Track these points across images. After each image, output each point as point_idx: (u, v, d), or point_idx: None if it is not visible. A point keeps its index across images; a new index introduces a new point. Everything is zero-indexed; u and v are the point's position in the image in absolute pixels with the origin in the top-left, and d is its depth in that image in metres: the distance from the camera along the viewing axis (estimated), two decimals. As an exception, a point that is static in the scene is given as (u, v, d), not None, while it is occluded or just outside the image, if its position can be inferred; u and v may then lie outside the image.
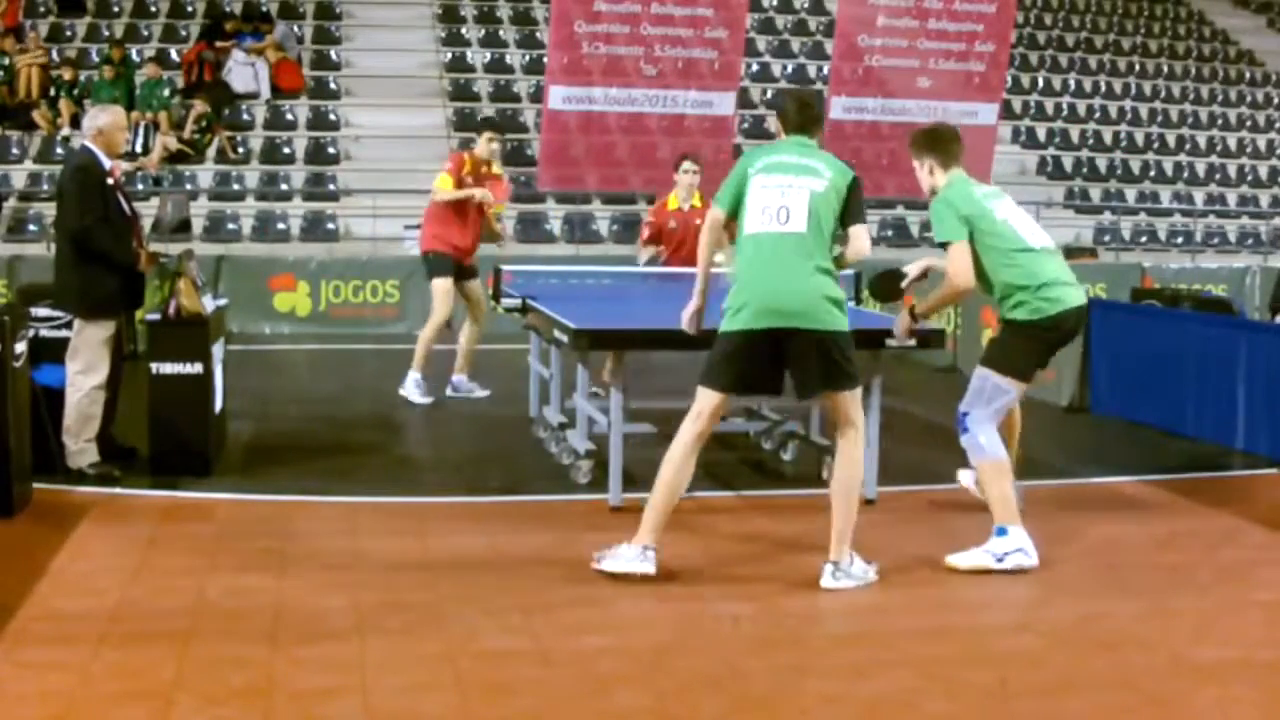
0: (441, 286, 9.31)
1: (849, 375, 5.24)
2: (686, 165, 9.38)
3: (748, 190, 5.25)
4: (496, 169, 9.72)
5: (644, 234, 9.37)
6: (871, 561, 5.34)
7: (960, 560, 5.51)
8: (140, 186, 15.73)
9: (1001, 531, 5.53)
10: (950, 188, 5.74)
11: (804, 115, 5.45)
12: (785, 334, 5.11)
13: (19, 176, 16.57)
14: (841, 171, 5.28)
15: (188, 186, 16.50)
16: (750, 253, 5.20)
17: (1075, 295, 5.74)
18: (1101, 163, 20.01)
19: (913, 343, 6.23)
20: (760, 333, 5.12)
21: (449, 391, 9.60)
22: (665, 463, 5.35)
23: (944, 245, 5.68)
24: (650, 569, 5.25)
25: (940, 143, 5.85)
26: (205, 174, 16.92)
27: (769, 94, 19.60)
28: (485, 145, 9.56)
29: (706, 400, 5.29)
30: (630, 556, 5.28)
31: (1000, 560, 5.47)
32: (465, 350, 9.64)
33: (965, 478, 6.53)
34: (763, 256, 5.15)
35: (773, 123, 5.91)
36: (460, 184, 9.35)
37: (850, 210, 5.26)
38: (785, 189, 5.18)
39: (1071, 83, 21.61)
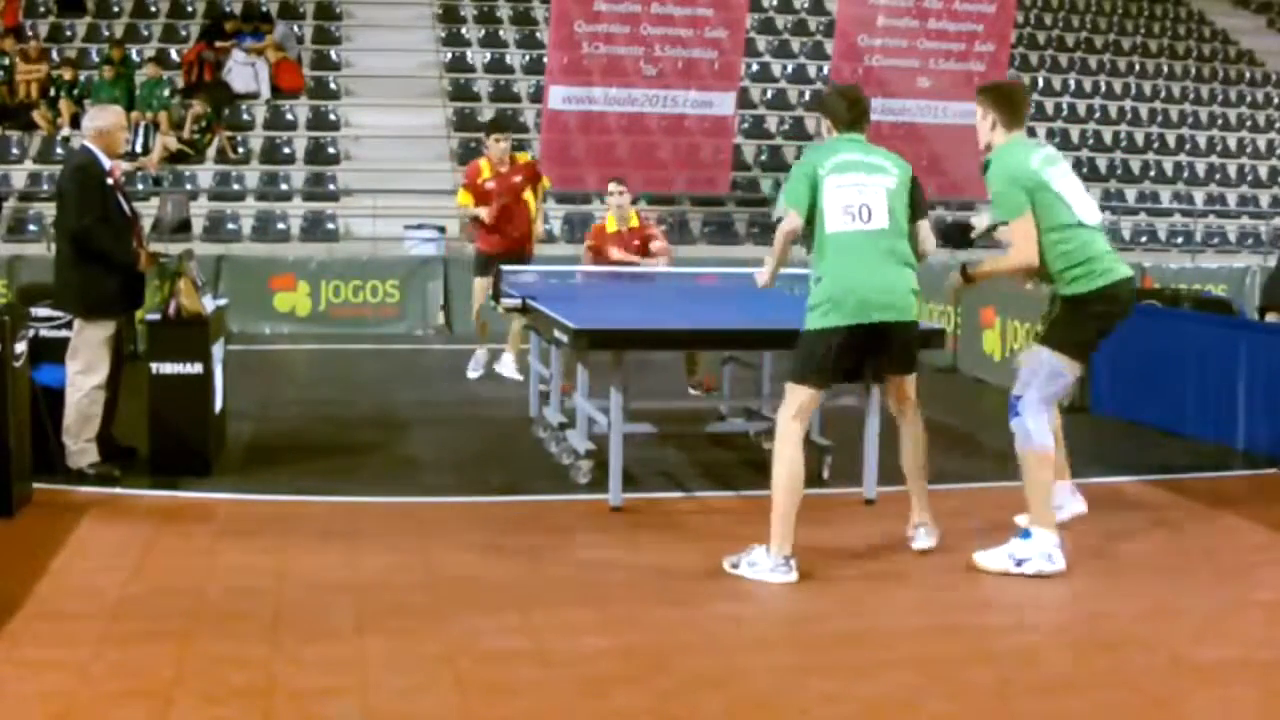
0: (475, 284, 10.03)
1: (916, 360, 5.80)
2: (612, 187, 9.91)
3: (822, 191, 5.39)
4: (523, 157, 10.19)
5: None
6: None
7: (985, 560, 5.42)
8: (140, 186, 15.72)
9: (1026, 534, 5.40)
10: (1009, 154, 5.41)
11: (855, 111, 5.63)
12: (880, 326, 5.40)
13: (19, 176, 16.56)
14: (903, 167, 5.61)
15: (188, 186, 16.49)
16: (837, 252, 5.37)
17: (1124, 268, 5.58)
18: (1101, 163, 20.00)
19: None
20: (859, 327, 5.36)
21: (495, 369, 10.11)
22: (781, 466, 5.39)
23: (1004, 223, 5.45)
24: (793, 577, 5.30)
25: (1009, 101, 5.56)
26: (205, 174, 16.92)
27: (769, 94, 19.60)
28: (495, 147, 9.73)
29: (807, 397, 5.45)
30: (770, 566, 5.32)
31: (1019, 565, 5.34)
32: (515, 334, 9.93)
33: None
34: (852, 255, 5.37)
35: (821, 123, 5.76)
36: (478, 191, 9.77)
37: (915, 205, 5.60)
38: (861, 187, 5.40)
39: (1071, 83, 21.59)
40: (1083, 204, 5.51)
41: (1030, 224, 5.33)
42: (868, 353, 5.51)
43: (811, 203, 5.41)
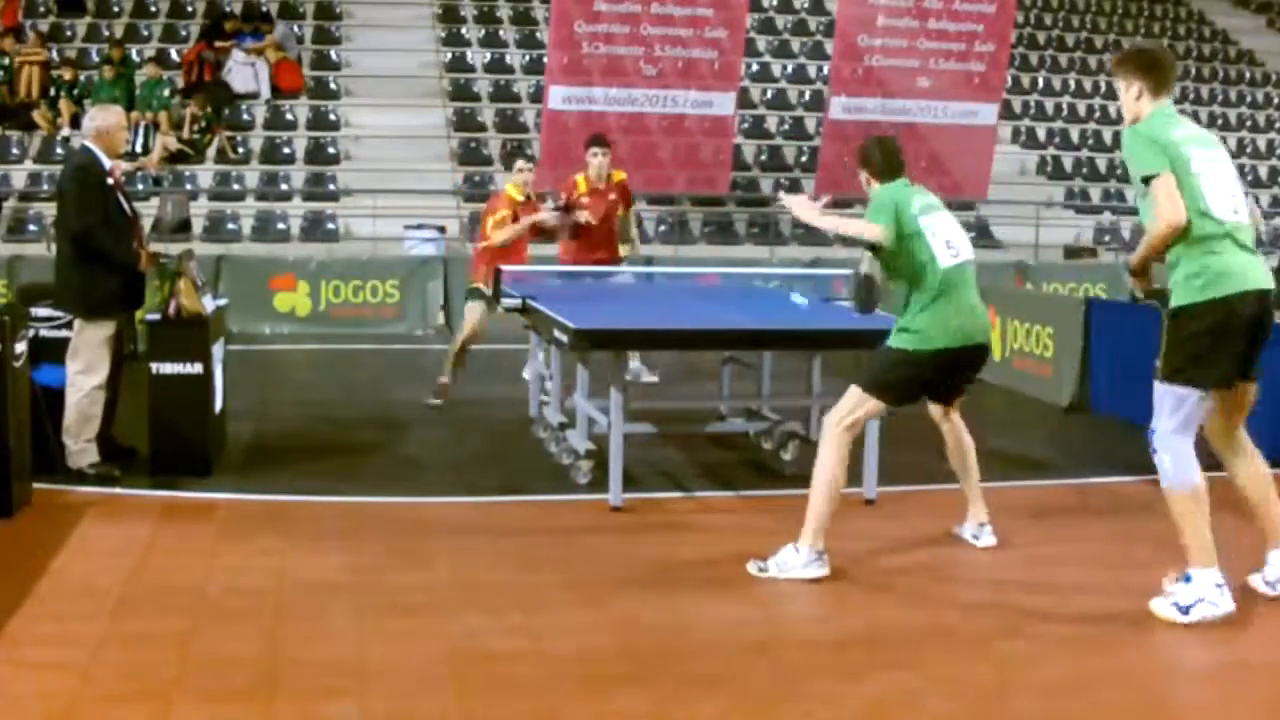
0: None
1: None
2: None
3: (919, 229, 5.56)
4: (618, 175, 9.93)
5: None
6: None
7: (1158, 607, 4.93)
8: (140, 186, 15.72)
9: (1186, 578, 4.88)
10: (1152, 119, 4.95)
11: (895, 160, 5.75)
12: (971, 350, 5.64)
13: (19, 176, 16.56)
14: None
15: (188, 186, 16.49)
16: (946, 284, 5.55)
17: (1255, 276, 4.86)
18: (1101, 163, 20.00)
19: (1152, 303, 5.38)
20: (957, 350, 5.58)
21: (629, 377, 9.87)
22: (824, 472, 5.44)
23: (1146, 181, 4.83)
24: (825, 571, 5.39)
25: (1155, 67, 5.02)
26: (205, 174, 16.92)
27: (769, 94, 19.60)
28: (593, 161, 9.73)
29: (873, 409, 5.58)
30: (802, 563, 5.38)
31: (1185, 613, 4.83)
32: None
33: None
34: (960, 286, 5.60)
35: (860, 174, 5.81)
36: (575, 207, 9.57)
37: None
38: (946, 224, 5.67)
39: (1071, 83, 21.60)
40: (1221, 199, 4.86)
41: (1172, 181, 4.76)
42: (953, 373, 5.73)
43: (898, 232, 5.55)
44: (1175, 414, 4.85)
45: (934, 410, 6.03)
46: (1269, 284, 4.90)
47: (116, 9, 19.87)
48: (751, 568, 5.44)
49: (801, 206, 5.81)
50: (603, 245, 9.65)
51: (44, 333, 7.01)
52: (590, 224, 9.55)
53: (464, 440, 8.20)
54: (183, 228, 15.47)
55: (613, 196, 9.83)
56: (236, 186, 16.93)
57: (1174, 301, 4.87)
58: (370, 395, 9.77)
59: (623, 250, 9.81)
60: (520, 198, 9.29)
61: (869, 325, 7.32)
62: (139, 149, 16.19)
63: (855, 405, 5.51)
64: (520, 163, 9.49)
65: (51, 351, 6.90)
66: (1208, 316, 4.78)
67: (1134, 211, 19.83)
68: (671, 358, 10.23)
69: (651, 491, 6.86)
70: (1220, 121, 21.46)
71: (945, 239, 5.61)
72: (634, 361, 9.91)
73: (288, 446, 7.87)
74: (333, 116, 18.15)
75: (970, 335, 5.62)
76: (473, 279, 9.34)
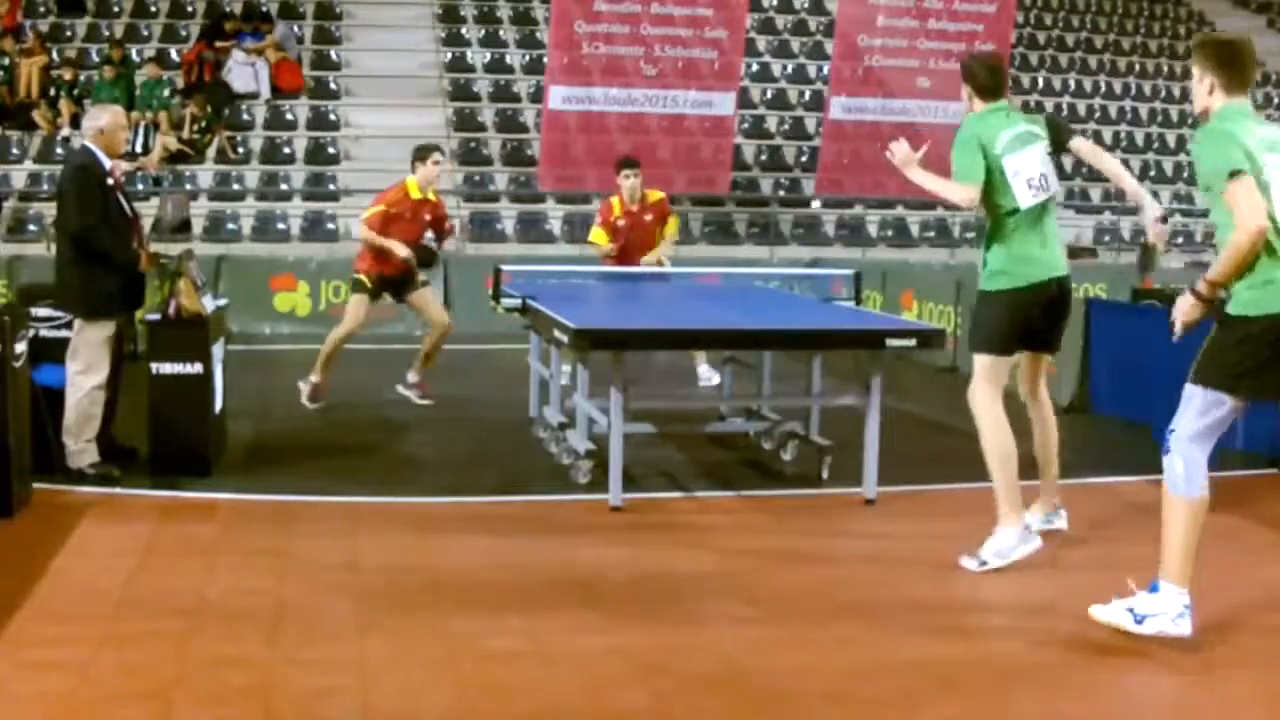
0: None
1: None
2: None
3: (1002, 167, 5.60)
4: (654, 195, 9.76)
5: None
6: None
7: (1102, 613, 4.75)
8: (140, 186, 15.72)
9: (1154, 588, 4.66)
10: (1226, 116, 4.64)
11: (998, 79, 5.76)
12: (1058, 286, 5.71)
13: (19, 176, 16.56)
14: (1040, 122, 5.89)
15: (188, 186, 16.49)
16: (1024, 223, 5.61)
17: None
18: (1101, 163, 19.99)
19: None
20: (1043, 284, 5.65)
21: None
22: (993, 438, 5.61)
23: (1230, 176, 4.50)
24: (1038, 543, 5.54)
25: (1232, 60, 4.68)
26: (205, 174, 16.92)
27: (769, 94, 19.59)
28: (625, 183, 9.55)
29: (999, 366, 5.78)
30: (1015, 543, 5.51)
31: (1139, 622, 4.62)
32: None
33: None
34: (1038, 224, 5.65)
35: (963, 89, 5.91)
36: (612, 230, 9.53)
37: (1060, 140, 5.90)
38: (1038, 158, 5.70)
39: (1071, 83, 21.60)
40: None
41: (1251, 184, 4.46)
42: (1045, 316, 5.77)
43: (988, 175, 5.61)
44: (1201, 418, 4.62)
45: (1023, 389, 6.08)
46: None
47: (116, 9, 19.86)
48: (970, 564, 5.52)
49: (903, 157, 5.98)
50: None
51: (44, 333, 7.01)
52: (612, 256, 9.50)
53: (464, 440, 8.20)
54: (183, 228, 15.46)
55: (649, 218, 9.69)
56: (236, 186, 16.93)
57: (1232, 310, 4.62)
58: (370, 395, 9.76)
59: (647, 256, 9.69)
60: (417, 196, 9.06)
61: (868, 325, 7.34)
62: (139, 149, 16.19)
63: (980, 371, 5.68)
64: (436, 155, 9.17)
65: (51, 351, 6.89)
66: (1264, 328, 4.54)
67: (1134, 211, 19.76)
68: (671, 358, 10.23)
69: (651, 491, 6.86)
70: (1220, 121, 21.45)
71: (1027, 178, 5.60)
72: (702, 366, 9.90)
73: (288, 446, 7.87)
74: (333, 116, 18.15)
75: (1049, 272, 5.68)
76: (356, 269, 9.24)
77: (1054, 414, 6.04)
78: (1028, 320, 5.71)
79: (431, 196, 9.20)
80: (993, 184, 5.60)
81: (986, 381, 5.70)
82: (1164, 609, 4.59)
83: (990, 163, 5.60)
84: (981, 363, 5.72)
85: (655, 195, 9.83)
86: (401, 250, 8.89)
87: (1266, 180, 4.52)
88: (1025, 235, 5.64)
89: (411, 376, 9.46)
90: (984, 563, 5.49)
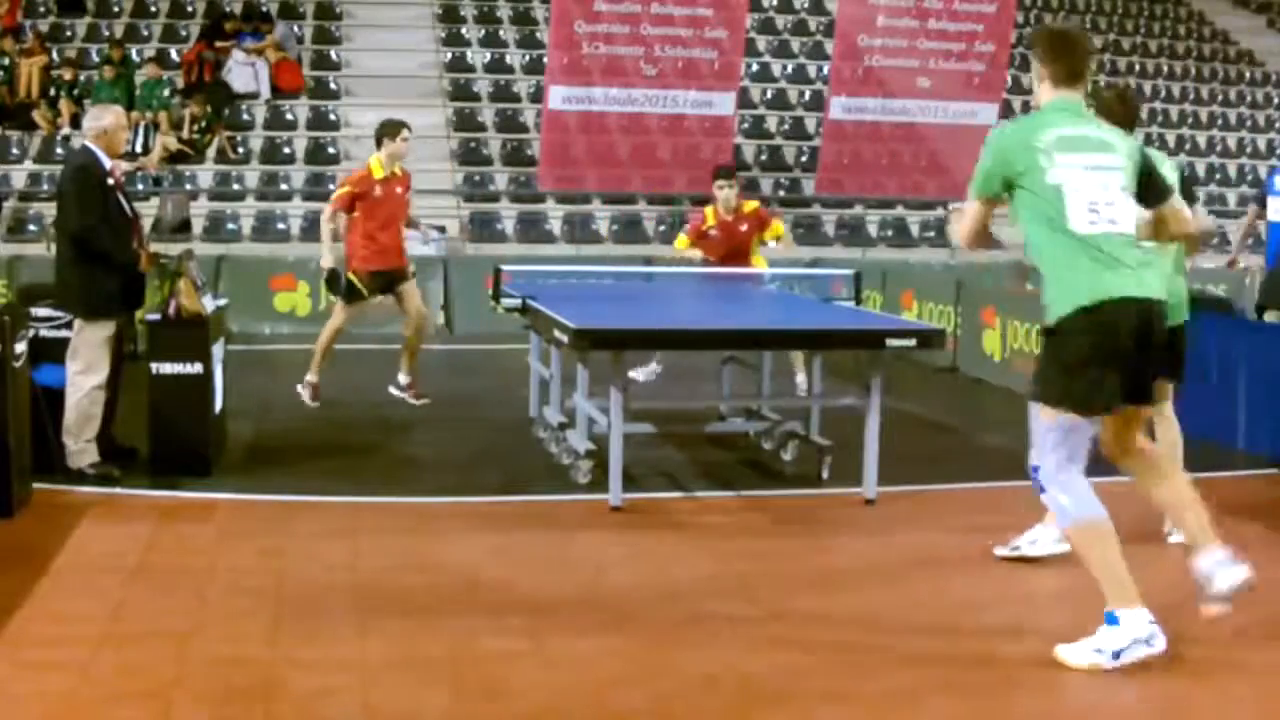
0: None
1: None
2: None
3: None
4: (750, 205, 9.68)
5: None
6: None
7: (1070, 655, 4.44)
8: (140, 186, 15.72)
9: (1112, 620, 4.42)
10: (1047, 110, 4.62)
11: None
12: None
13: (19, 176, 16.56)
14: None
15: (188, 186, 16.49)
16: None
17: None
18: (1101, 163, 19.99)
19: None
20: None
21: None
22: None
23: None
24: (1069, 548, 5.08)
25: (1060, 52, 4.60)
26: (205, 174, 16.92)
27: (769, 94, 19.59)
28: (720, 193, 9.51)
29: None
30: (1051, 538, 5.57)
31: (1116, 658, 4.36)
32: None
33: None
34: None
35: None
36: (704, 238, 9.52)
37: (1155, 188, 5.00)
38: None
39: (1071, 83, 21.59)
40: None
41: (976, 209, 4.72)
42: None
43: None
44: (1061, 445, 4.48)
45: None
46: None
47: (116, 9, 19.86)
48: (1002, 550, 5.64)
49: None
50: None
51: (44, 333, 7.01)
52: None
53: (464, 440, 8.20)
54: (183, 228, 15.47)
55: (744, 228, 9.59)
56: (236, 186, 16.93)
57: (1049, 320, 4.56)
58: (370, 395, 9.76)
59: (758, 262, 9.58)
60: (382, 174, 8.95)
61: (868, 325, 7.34)
62: (139, 149, 16.19)
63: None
64: (405, 131, 9.13)
65: (51, 351, 6.89)
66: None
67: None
68: (671, 358, 10.22)
69: (651, 491, 6.86)
70: (1220, 121, 21.46)
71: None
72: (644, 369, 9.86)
73: (288, 446, 7.87)
74: (333, 116, 18.14)
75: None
76: (349, 268, 9.03)
77: None
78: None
79: (397, 171, 9.12)
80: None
81: None
82: (1131, 636, 4.37)
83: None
84: None
85: (750, 205, 9.71)
86: (326, 260, 8.90)
87: (1053, 183, 4.41)
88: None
89: (402, 378, 9.43)
90: (1015, 548, 5.64)
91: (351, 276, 9.03)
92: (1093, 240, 4.37)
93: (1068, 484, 4.46)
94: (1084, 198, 4.38)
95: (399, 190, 9.11)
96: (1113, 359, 4.36)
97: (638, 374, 9.54)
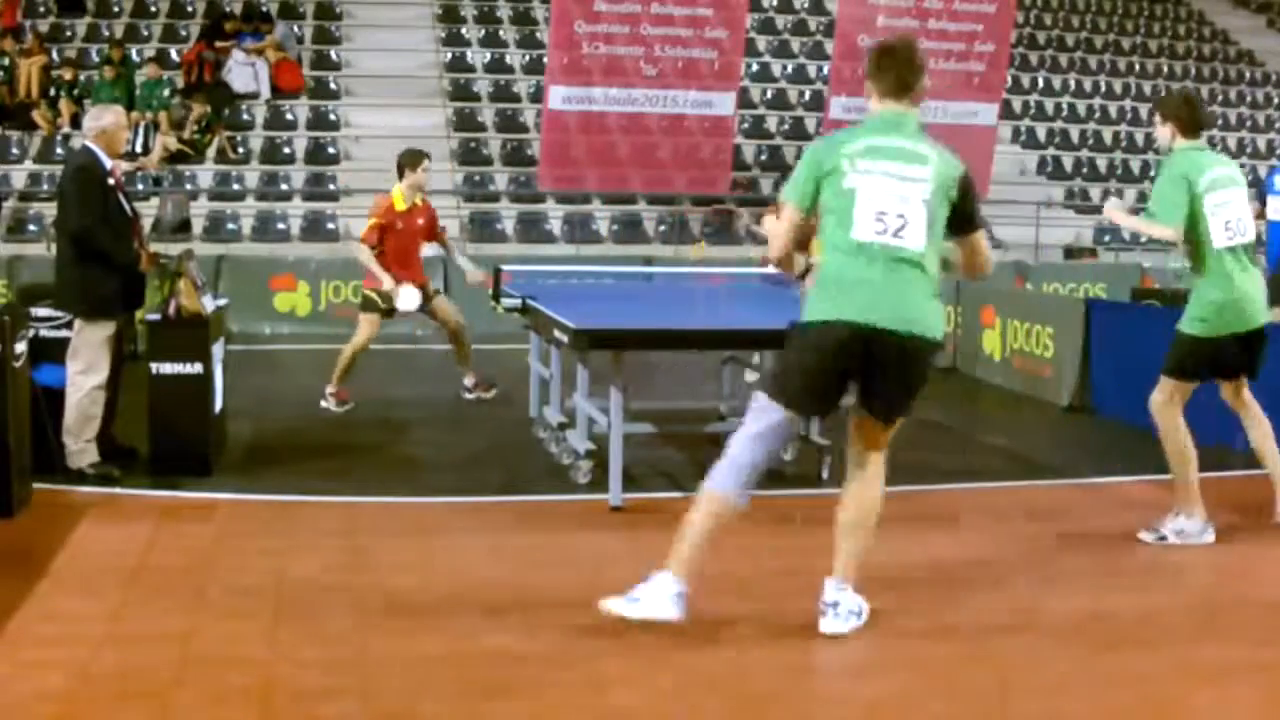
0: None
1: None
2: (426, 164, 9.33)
3: (1203, 207, 5.86)
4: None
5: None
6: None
7: (610, 604, 4.60)
8: (140, 186, 15.73)
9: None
10: (868, 120, 4.74)
11: (1199, 115, 6.04)
12: (1257, 331, 6.01)
13: (19, 176, 16.57)
14: (1235, 165, 6.19)
15: (188, 186, 16.50)
16: (1224, 263, 5.92)
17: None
18: (1101, 163, 20.01)
19: None
20: (1249, 333, 6.01)
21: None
22: (1168, 440, 5.90)
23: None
24: (1213, 538, 5.91)
25: (880, 67, 4.73)
26: (205, 174, 16.92)
27: (769, 94, 19.60)
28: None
29: (1185, 388, 5.95)
30: (1197, 530, 5.92)
31: (634, 602, 4.58)
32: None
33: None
34: (1237, 265, 5.99)
35: (1163, 128, 6.09)
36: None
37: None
38: (1238, 201, 6.02)
39: (1071, 83, 21.60)
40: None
41: (790, 210, 4.64)
42: (1245, 350, 5.94)
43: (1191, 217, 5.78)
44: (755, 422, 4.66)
45: (1225, 390, 6.18)
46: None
47: (116, 9, 19.87)
48: (1147, 536, 5.92)
49: (1115, 211, 6.22)
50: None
51: (44, 333, 7.01)
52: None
53: (464, 440, 8.20)
54: (183, 228, 15.47)
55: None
56: (236, 186, 16.94)
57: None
58: (370, 395, 9.76)
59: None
60: (404, 206, 9.01)
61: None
62: (139, 149, 16.20)
63: (1165, 386, 5.92)
64: (426, 162, 9.20)
65: (51, 351, 6.89)
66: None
67: (1133, 212, 19.85)
68: (672, 358, 10.22)
69: (651, 491, 6.86)
70: (1220, 121, 21.46)
71: (1225, 219, 5.71)
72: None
73: (288, 446, 7.87)
74: (333, 116, 18.15)
75: (1256, 317, 5.86)
76: (366, 285, 9.08)
77: (1260, 410, 6.22)
78: (1218, 356, 5.93)
79: (418, 202, 9.18)
80: (1195, 222, 5.77)
81: (1162, 392, 5.96)
82: (657, 592, 4.55)
83: (1195, 201, 5.74)
84: (1164, 381, 5.97)
85: None
86: (387, 283, 8.82)
87: (849, 187, 4.46)
88: (1225, 277, 5.82)
89: (467, 382, 9.52)
90: (1163, 538, 5.90)
91: (369, 292, 9.04)
92: (867, 249, 4.43)
93: (739, 455, 4.59)
94: (874, 206, 4.44)
95: (419, 222, 9.16)
96: (818, 371, 4.51)
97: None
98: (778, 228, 4.65)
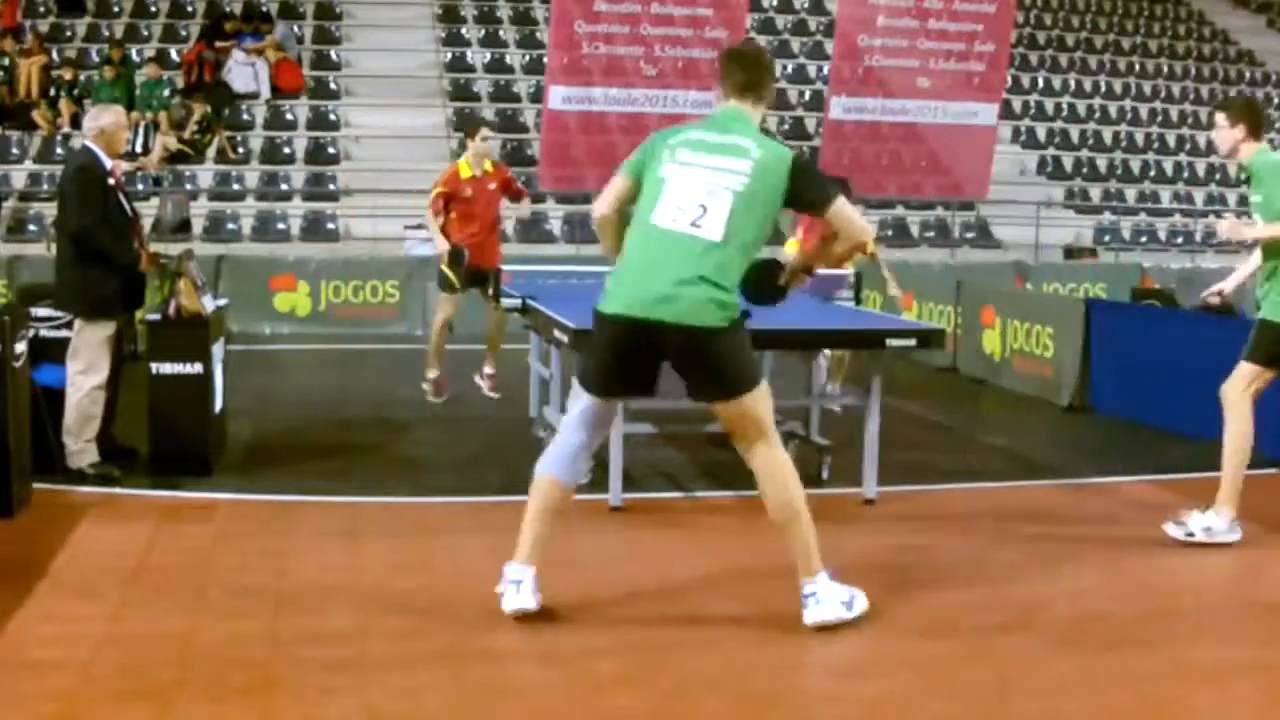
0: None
1: None
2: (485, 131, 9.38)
3: None
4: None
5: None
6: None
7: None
8: (140, 186, 15.73)
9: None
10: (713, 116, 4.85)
11: (1260, 116, 6.07)
12: None
13: (19, 176, 16.57)
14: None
15: (188, 186, 16.50)
16: None
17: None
18: (1101, 163, 20.01)
19: None
20: None
21: None
22: (1237, 432, 5.90)
23: None
24: (1239, 535, 5.92)
25: (727, 65, 4.82)
26: (205, 174, 16.93)
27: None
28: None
29: (1265, 377, 5.95)
30: (1224, 527, 5.90)
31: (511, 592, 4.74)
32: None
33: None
34: None
35: (1233, 132, 6.02)
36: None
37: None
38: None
39: (1071, 83, 21.61)
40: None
41: (620, 182, 4.81)
42: None
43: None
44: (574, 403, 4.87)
45: None
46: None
47: (116, 9, 19.88)
48: (1176, 531, 5.91)
49: (1229, 228, 6.21)
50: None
51: (44, 333, 7.01)
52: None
53: (464, 440, 8.20)
54: (183, 228, 15.48)
55: None
56: (236, 186, 16.94)
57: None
58: (370, 395, 9.77)
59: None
60: (469, 173, 9.12)
61: (868, 325, 7.34)
62: (139, 149, 16.21)
63: (1244, 371, 5.92)
64: (484, 130, 9.27)
65: (51, 351, 6.89)
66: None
67: (1133, 212, 19.65)
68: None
69: (651, 491, 6.86)
70: (1220, 121, 21.46)
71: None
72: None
73: (288, 446, 7.87)
74: (333, 116, 18.15)
75: None
76: (440, 264, 9.22)
77: None
78: None
79: (488, 168, 9.24)
80: None
81: (1243, 379, 5.94)
82: (511, 579, 4.74)
83: None
84: (1246, 368, 5.96)
85: None
86: (442, 244, 9.01)
87: (663, 175, 4.60)
88: None
89: (487, 369, 9.62)
90: (1190, 534, 5.89)
91: (444, 269, 9.16)
92: (659, 236, 4.55)
93: (561, 438, 4.83)
94: (679, 195, 4.56)
95: (491, 187, 9.21)
96: (605, 361, 4.71)
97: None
98: (604, 195, 4.82)
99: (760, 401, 4.68)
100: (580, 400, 4.79)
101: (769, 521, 4.80)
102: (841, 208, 4.68)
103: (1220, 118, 6.01)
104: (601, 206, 4.82)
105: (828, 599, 4.70)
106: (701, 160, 4.58)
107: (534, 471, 4.85)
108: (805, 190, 4.65)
